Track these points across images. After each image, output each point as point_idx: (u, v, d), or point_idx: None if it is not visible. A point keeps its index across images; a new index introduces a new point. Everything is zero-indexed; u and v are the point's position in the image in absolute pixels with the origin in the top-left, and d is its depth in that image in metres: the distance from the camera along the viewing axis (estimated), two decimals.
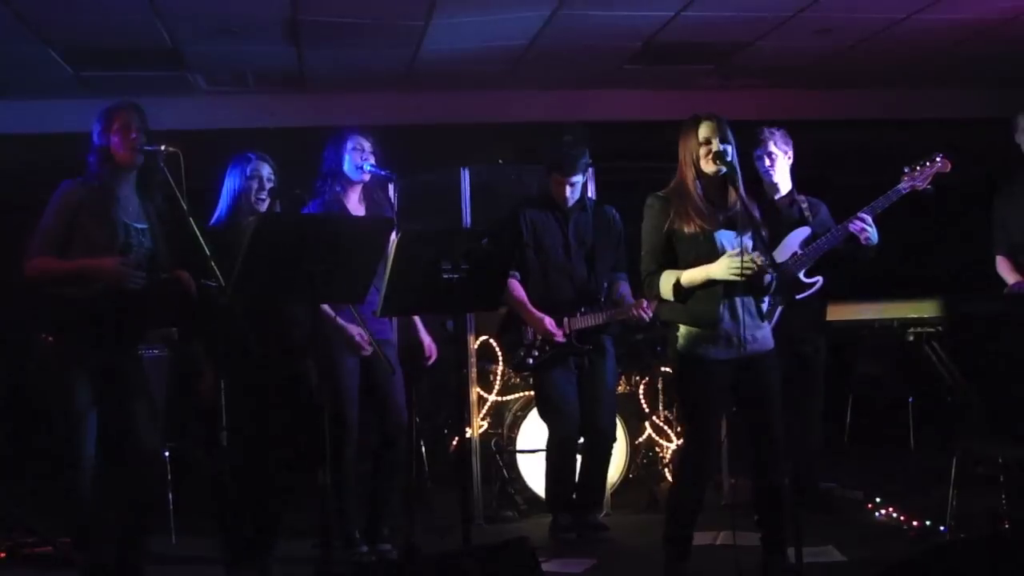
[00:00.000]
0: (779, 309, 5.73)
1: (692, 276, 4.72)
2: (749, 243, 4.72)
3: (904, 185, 5.75)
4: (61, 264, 4.75)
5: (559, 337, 5.99)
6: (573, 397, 6.07)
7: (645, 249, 4.90)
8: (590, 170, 6.36)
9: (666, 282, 4.78)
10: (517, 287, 6.03)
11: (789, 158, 6.18)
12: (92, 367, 4.80)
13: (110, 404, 4.85)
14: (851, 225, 5.69)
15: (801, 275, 5.85)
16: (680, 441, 7.27)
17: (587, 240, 6.10)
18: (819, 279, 5.83)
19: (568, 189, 6.01)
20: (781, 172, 6.15)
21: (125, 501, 4.91)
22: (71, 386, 4.78)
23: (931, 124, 8.73)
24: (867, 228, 5.68)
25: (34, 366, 4.88)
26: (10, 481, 7.09)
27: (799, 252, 5.80)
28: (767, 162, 6.11)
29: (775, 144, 6.11)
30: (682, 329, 4.87)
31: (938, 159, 5.74)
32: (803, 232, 5.92)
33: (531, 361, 6.11)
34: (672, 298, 4.77)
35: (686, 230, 4.76)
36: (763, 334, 4.86)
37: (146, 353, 5.58)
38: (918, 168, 5.73)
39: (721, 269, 4.65)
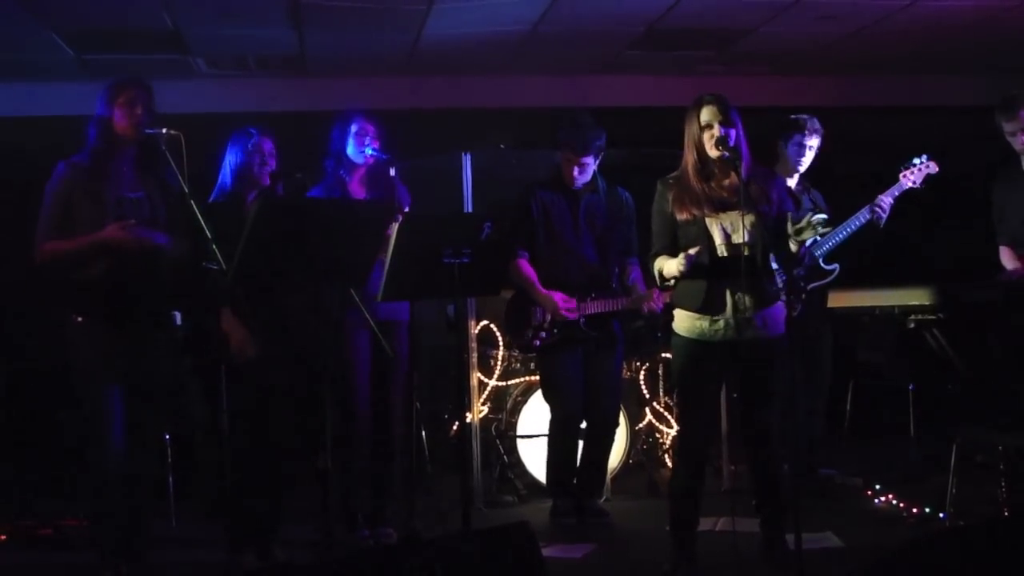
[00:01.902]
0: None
1: (667, 267, 4.86)
2: (740, 224, 4.75)
3: (905, 182, 6.04)
4: (66, 244, 4.76)
5: (571, 315, 5.96)
6: (578, 381, 6.06)
7: (653, 232, 4.98)
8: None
9: (655, 268, 4.94)
10: (526, 266, 6.00)
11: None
12: (120, 347, 4.80)
13: (130, 386, 4.85)
14: (879, 205, 6.02)
15: (820, 262, 5.95)
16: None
17: (598, 223, 6.06)
18: (836, 266, 5.97)
19: (576, 170, 5.94)
20: (806, 165, 6.21)
21: (128, 482, 4.91)
22: (101, 368, 4.78)
23: (934, 111, 8.71)
24: (886, 207, 6.03)
25: (68, 349, 4.85)
26: (13, 463, 7.10)
27: (818, 239, 5.90)
28: (805, 152, 6.16)
29: (818, 139, 6.19)
30: (677, 310, 4.92)
31: (927, 161, 6.03)
32: (820, 219, 5.99)
33: (538, 343, 6.10)
34: (659, 283, 4.98)
35: (679, 217, 4.85)
36: (769, 319, 4.86)
37: None
38: (912, 169, 6.02)
39: (672, 265, 4.80)
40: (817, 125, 6.23)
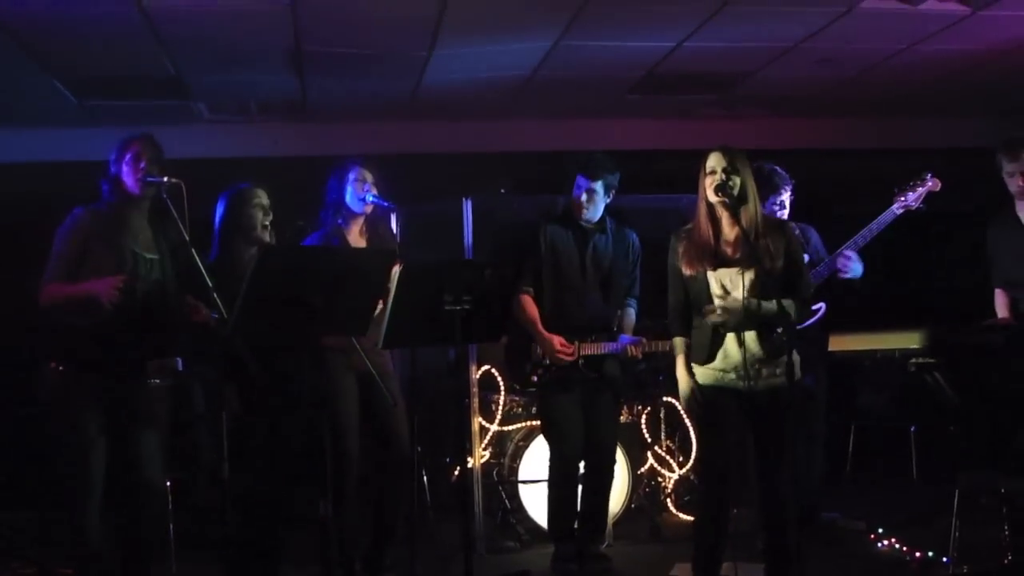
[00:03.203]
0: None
1: (679, 370, 4.97)
2: (740, 281, 4.76)
3: (897, 206, 5.92)
4: (65, 288, 4.79)
5: (568, 359, 5.96)
6: (577, 421, 6.05)
7: (668, 284, 5.01)
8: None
9: (673, 344, 5.00)
10: (530, 303, 5.99)
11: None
12: (101, 396, 4.81)
13: (115, 434, 4.86)
14: (836, 262, 5.94)
15: None
16: (682, 471, 7.29)
17: (604, 264, 6.06)
18: (822, 305, 5.92)
19: (584, 197, 5.92)
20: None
21: (126, 532, 4.90)
22: (80, 415, 4.79)
23: (932, 153, 8.72)
24: (849, 264, 5.93)
25: (43, 394, 4.87)
26: (10, 511, 7.07)
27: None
28: (777, 210, 6.13)
29: (789, 193, 6.15)
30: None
31: (928, 179, 5.92)
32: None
33: (535, 379, 6.09)
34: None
35: (686, 272, 4.88)
36: (777, 369, 4.85)
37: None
38: (908, 189, 5.86)
39: (682, 380, 4.94)
40: (786, 176, 6.16)
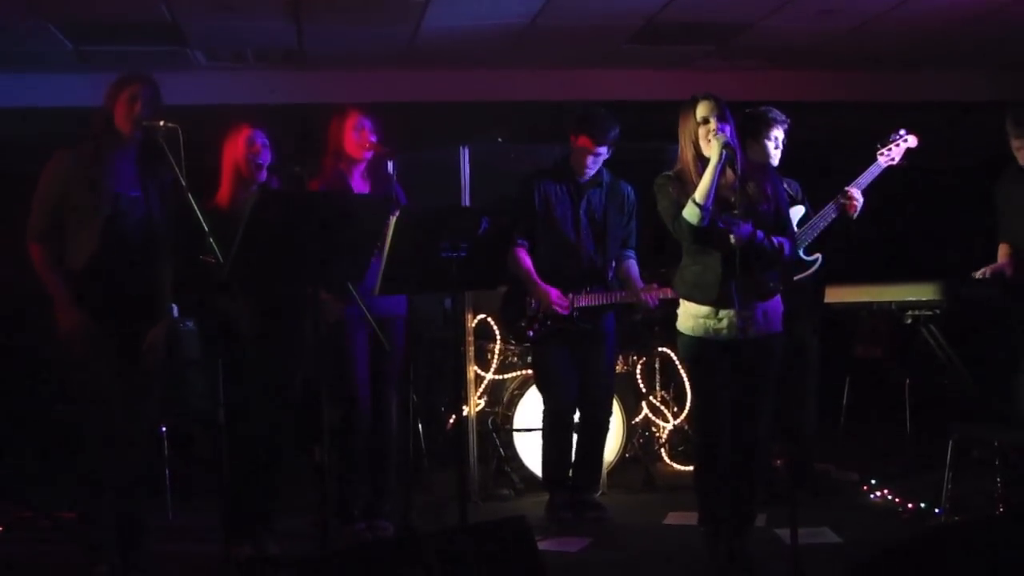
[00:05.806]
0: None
1: (702, 185, 4.70)
2: (748, 226, 4.76)
3: (883, 160, 5.88)
4: (45, 269, 4.79)
5: (563, 311, 5.96)
6: (571, 372, 6.07)
7: (670, 215, 4.86)
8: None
9: (688, 212, 4.73)
10: (525, 256, 6.00)
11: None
12: (107, 338, 4.79)
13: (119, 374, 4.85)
14: (841, 200, 5.84)
15: (801, 253, 5.90)
16: (676, 421, 7.33)
17: (598, 218, 6.06)
18: (819, 257, 5.90)
19: (590, 159, 5.92)
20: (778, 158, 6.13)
21: (120, 475, 4.91)
22: (93, 360, 4.78)
23: (934, 106, 8.70)
24: (857, 204, 5.82)
25: (62, 345, 4.85)
26: (12, 455, 7.10)
27: (796, 231, 5.86)
28: (777, 146, 6.05)
29: (785, 131, 6.07)
30: (687, 307, 4.91)
31: (903, 135, 5.88)
32: (798, 211, 5.97)
33: (531, 333, 6.10)
34: (696, 222, 4.70)
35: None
36: (770, 314, 4.86)
37: None
38: (890, 146, 5.87)
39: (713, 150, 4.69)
40: (781, 115, 6.04)
